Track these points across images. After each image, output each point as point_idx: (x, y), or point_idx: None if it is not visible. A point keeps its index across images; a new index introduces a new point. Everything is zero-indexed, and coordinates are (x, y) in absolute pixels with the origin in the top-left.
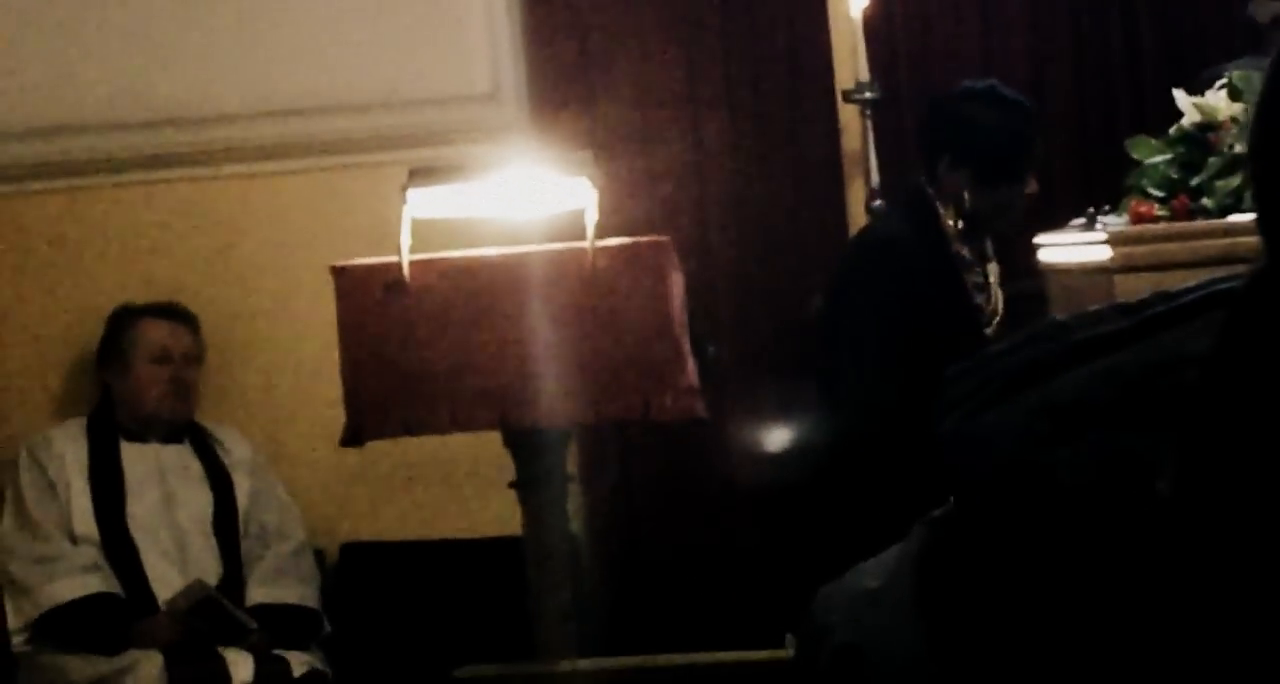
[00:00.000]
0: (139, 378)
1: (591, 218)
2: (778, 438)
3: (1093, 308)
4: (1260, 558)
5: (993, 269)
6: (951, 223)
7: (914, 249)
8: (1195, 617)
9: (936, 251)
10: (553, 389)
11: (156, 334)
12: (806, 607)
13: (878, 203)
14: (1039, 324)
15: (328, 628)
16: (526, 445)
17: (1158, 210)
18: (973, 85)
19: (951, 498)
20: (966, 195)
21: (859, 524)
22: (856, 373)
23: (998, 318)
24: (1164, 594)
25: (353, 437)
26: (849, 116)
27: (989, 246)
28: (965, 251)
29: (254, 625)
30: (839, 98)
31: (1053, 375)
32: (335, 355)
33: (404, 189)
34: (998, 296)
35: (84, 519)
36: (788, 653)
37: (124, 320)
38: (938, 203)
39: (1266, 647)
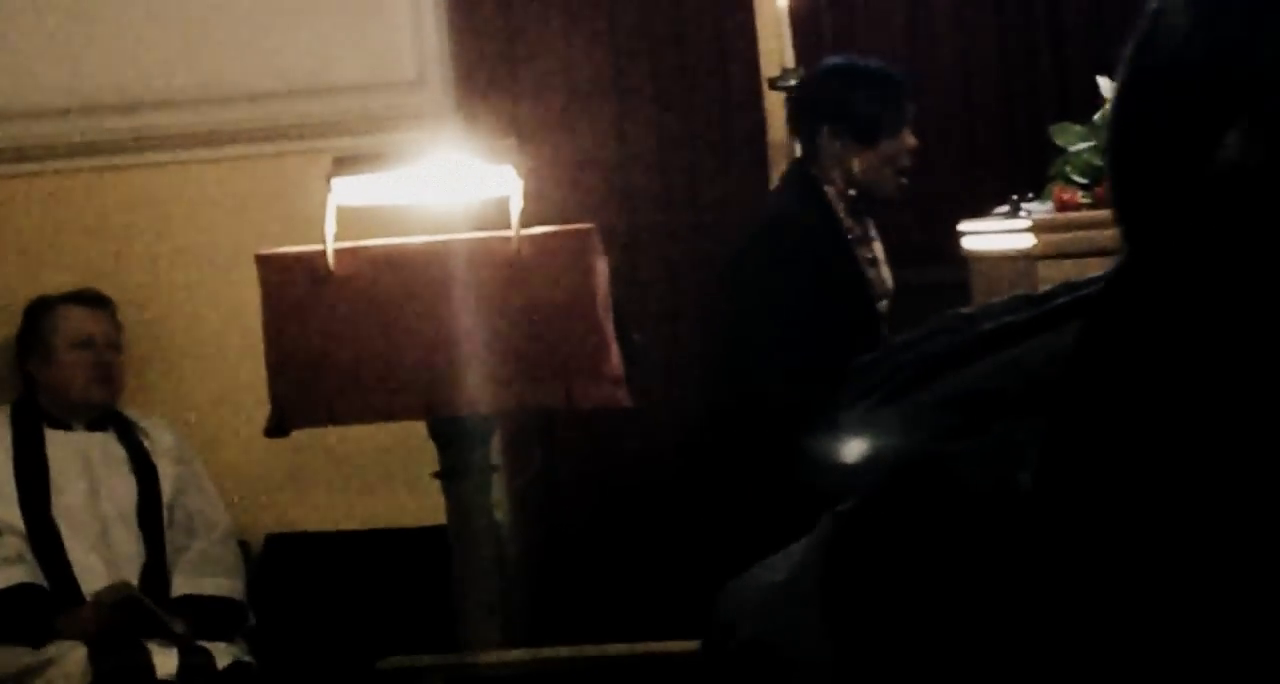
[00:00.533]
0: (63, 365)
1: (517, 205)
2: (702, 424)
3: (998, 299)
4: (1109, 555)
5: (878, 248)
6: (839, 197)
7: (804, 226)
8: (1055, 614)
9: (826, 226)
10: (477, 377)
11: (76, 320)
12: (711, 603)
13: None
14: (945, 315)
15: (252, 619)
16: (451, 435)
17: (1081, 197)
18: (833, 61)
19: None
20: (855, 162)
21: (771, 506)
22: (760, 351)
23: (889, 294)
24: (1032, 590)
25: (277, 426)
26: (774, 104)
27: (872, 227)
28: (856, 228)
29: (179, 629)
30: (764, 85)
31: (958, 367)
32: (260, 344)
33: (329, 177)
34: (887, 274)
35: (9, 509)
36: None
37: (41, 310)
38: (824, 183)
39: (1106, 646)
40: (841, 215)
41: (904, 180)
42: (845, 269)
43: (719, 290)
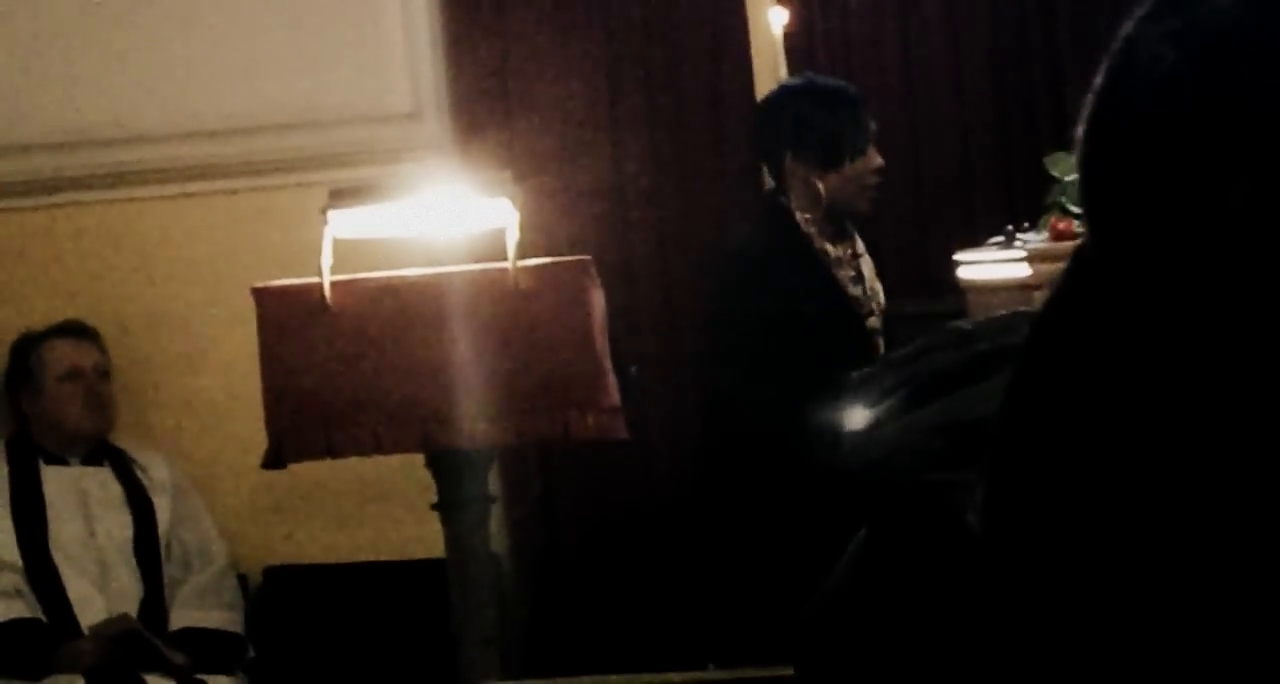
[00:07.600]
0: (55, 398)
1: (512, 238)
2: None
3: (996, 314)
4: (1050, 598)
5: (866, 263)
6: (813, 223)
7: (775, 253)
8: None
9: (799, 251)
10: (474, 410)
11: (63, 353)
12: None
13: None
14: (941, 331)
15: (251, 652)
16: (449, 467)
17: (1077, 227)
18: (790, 84)
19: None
20: (822, 186)
21: (766, 536)
22: (736, 382)
23: (879, 309)
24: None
25: (275, 459)
26: None
27: (859, 244)
28: (835, 250)
29: (179, 661)
30: None
31: (955, 388)
32: (257, 377)
33: (325, 210)
34: (877, 289)
35: (6, 544)
36: (708, 675)
37: (27, 346)
38: (795, 211)
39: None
40: (816, 240)
41: (873, 195)
42: (823, 292)
43: (702, 329)
